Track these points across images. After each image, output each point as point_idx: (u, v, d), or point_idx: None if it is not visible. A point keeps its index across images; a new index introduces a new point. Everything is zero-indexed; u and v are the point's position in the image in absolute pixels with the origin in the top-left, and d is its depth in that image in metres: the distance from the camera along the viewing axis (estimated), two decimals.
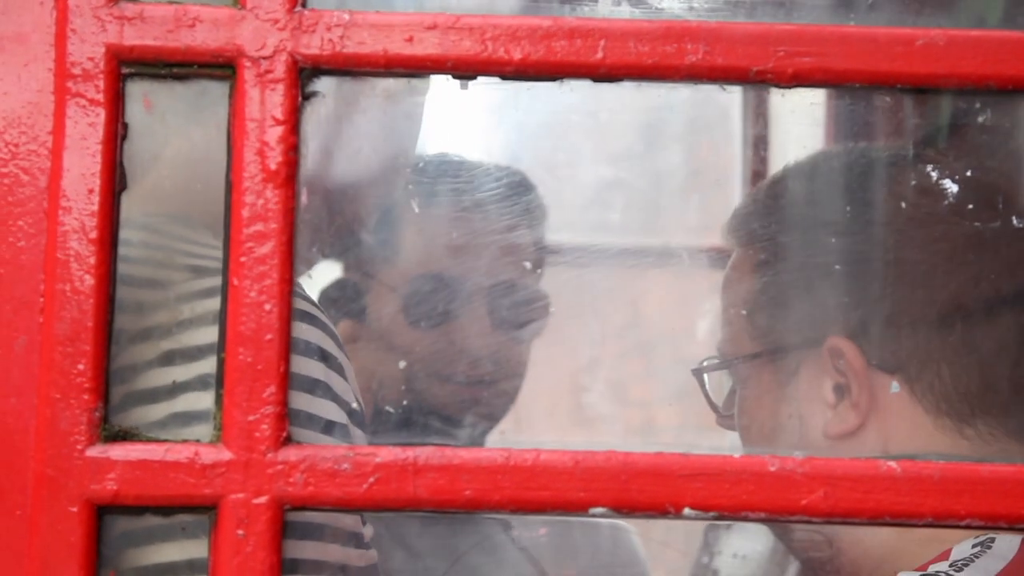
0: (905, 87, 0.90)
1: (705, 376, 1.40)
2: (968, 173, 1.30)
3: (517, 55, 0.88)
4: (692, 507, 0.87)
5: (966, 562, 1.20)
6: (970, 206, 1.27)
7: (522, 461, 0.87)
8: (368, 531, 1.12)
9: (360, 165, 1.14)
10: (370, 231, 1.65)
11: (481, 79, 0.90)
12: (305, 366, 1.03)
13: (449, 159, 1.76)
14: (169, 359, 1.00)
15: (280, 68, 0.88)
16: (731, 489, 0.87)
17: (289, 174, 0.88)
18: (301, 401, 1.02)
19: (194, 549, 0.96)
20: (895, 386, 1.27)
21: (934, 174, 1.29)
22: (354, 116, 0.98)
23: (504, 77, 0.90)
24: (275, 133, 0.88)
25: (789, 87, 0.90)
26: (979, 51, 0.89)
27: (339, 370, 1.06)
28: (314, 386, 1.03)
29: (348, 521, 1.05)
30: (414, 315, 1.67)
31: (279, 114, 0.88)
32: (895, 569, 1.24)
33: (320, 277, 1.71)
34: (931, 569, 1.21)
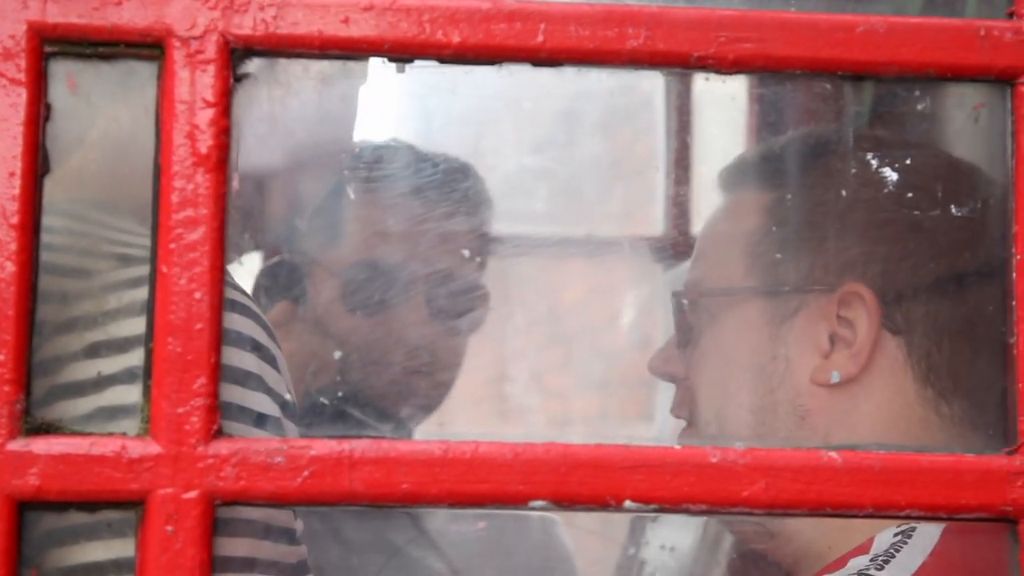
0: (846, 73, 0.90)
1: (677, 304, 1.35)
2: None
3: (456, 38, 0.86)
4: (633, 500, 0.85)
5: (887, 558, 1.19)
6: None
7: (460, 454, 0.85)
8: (298, 526, 1.09)
9: (299, 149, 1.12)
10: (309, 215, 1.62)
11: (419, 63, 0.88)
12: (237, 357, 1.00)
13: (391, 145, 1.73)
14: (95, 351, 0.97)
15: (211, 48, 0.85)
16: (672, 481, 0.85)
17: (220, 158, 0.85)
18: (233, 393, 0.99)
19: (120, 548, 0.93)
20: (893, 346, 1.25)
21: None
22: (289, 99, 0.95)
23: (442, 60, 0.88)
24: (206, 116, 0.85)
25: (730, 73, 0.89)
26: (919, 38, 0.89)
27: (272, 361, 1.03)
28: (246, 378, 1.00)
29: (282, 516, 1.02)
30: (352, 302, 1.64)
31: (210, 96, 0.85)
32: (819, 553, 1.24)
33: (255, 261, 1.67)
34: (851, 563, 1.20)
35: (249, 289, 1.59)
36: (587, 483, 0.85)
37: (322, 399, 1.58)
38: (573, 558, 1.83)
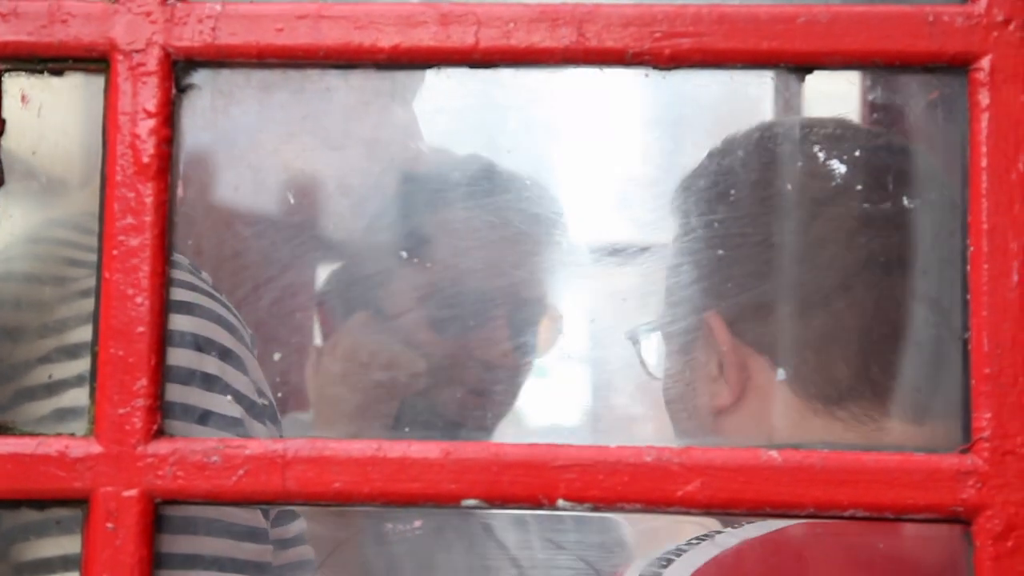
0: (789, 65, 0.88)
1: (640, 342, 1.41)
2: (856, 153, 1.28)
3: (386, 43, 0.87)
4: (566, 499, 0.85)
5: (677, 552, 1.19)
6: (858, 187, 1.26)
7: (392, 452, 0.85)
8: (295, 526, 1.11)
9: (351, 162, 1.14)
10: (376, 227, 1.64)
11: (357, 70, 0.89)
12: (197, 360, 1.02)
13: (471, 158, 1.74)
14: (49, 357, 1.00)
15: (152, 61, 0.88)
16: (605, 480, 0.85)
17: (161, 167, 0.87)
18: (192, 396, 1.01)
19: (68, 544, 0.96)
20: (765, 365, 1.27)
21: (821, 155, 1.27)
22: (232, 108, 0.97)
23: (378, 66, 0.89)
24: (147, 126, 0.88)
25: (668, 69, 0.88)
26: (863, 27, 0.87)
27: (232, 362, 1.05)
28: (205, 380, 1.03)
29: (243, 515, 1.04)
30: (436, 320, 1.66)
31: (151, 107, 0.88)
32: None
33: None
34: (712, 530, 1.20)
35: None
36: (519, 482, 0.85)
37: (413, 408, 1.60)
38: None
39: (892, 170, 1.26)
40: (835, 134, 1.32)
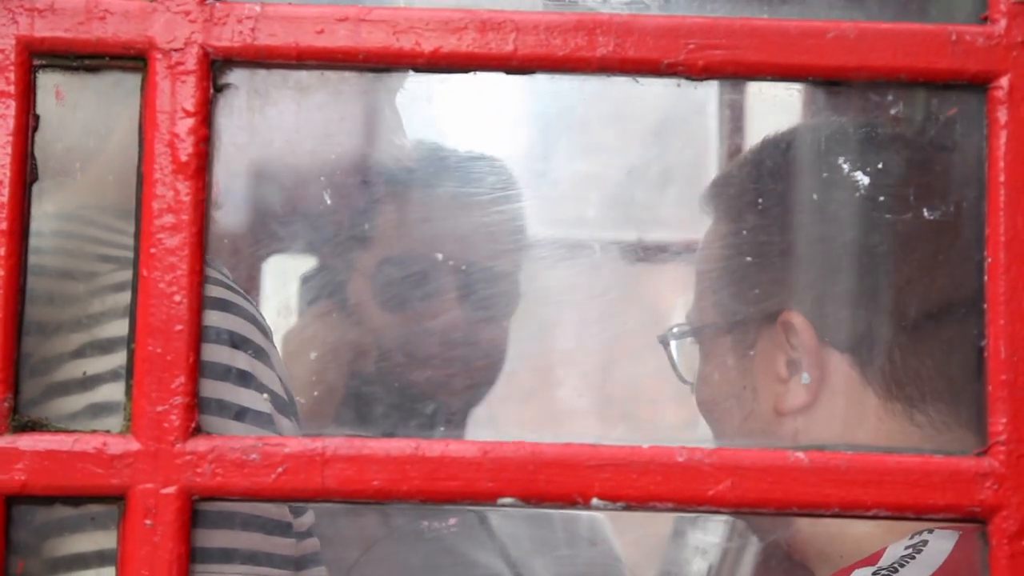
0: (817, 79, 0.91)
1: (672, 344, 1.39)
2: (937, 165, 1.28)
3: (427, 47, 0.89)
4: (600, 497, 0.87)
5: (890, 571, 1.19)
6: (935, 198, 1.26)
7: (431, 452, 0.87)
8: (307, 519, 1.12)
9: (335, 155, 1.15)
10: (345, 219, 1.65)
11: (393, 72, 0.90)
12: (230, 356, 1.03)
13: (423, 146, 1.75)
14: (82, 351, 1.00)
15: (191, 60, 0.88)
16: (638, 480, 0.87)
17: (200, 165, 0.88)
18: (226, 391, 1.02)
19: (104, 540, 0.97)
20: (846, 366, 1.26)
21: (902, 161, 1.28)
22: (268, 108, 0.98)
23: (416, 70, 0.90)
24: (185, 125, 0.88)
25: (700, 79, 0.90)
26: (890, 44, 0.90)
27: (263, 358, 1.06)
28: (238, 376, 1.03)
29: (273, 510, 1.05)
30: (385, 299, 1.67)
31: (190, 106, 0.88)
32: (833, 559, 1.24)
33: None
34: (855, 573, 1.20)
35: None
36: (555, 481, 0.87)
37: (361, 394, 1.61)
38: (619, 553, 1.85)
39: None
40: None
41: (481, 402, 1.79)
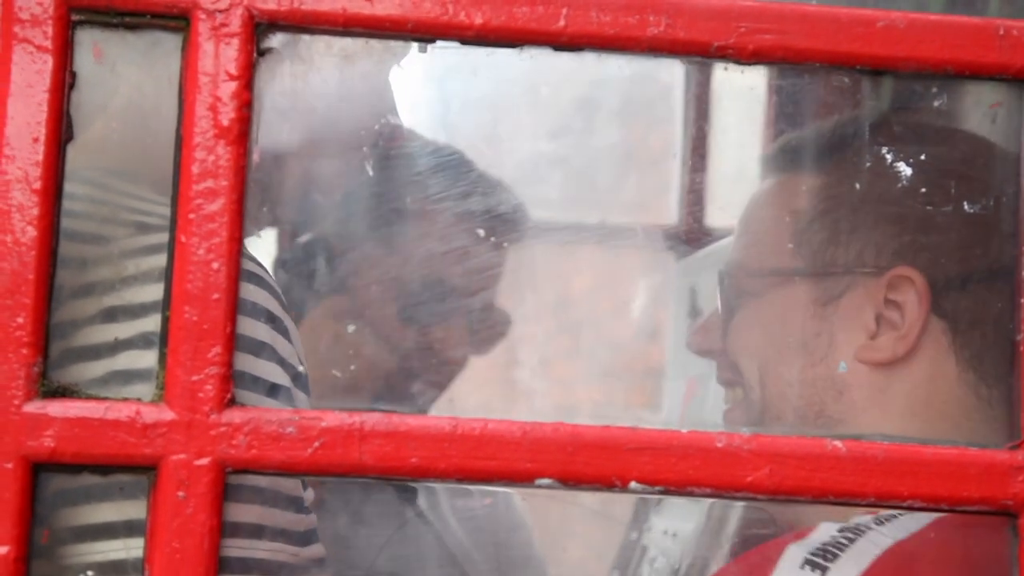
0: (864, 68, 0.90)
1: (723, 283, 1.38)
2: None
3: (478, 19, 0.87)
4: (639, 481, 0.86)
5: (888, 517, 1.21)
6: None
7: (470, 430, 0.86)
8: (309, 495, 1.10)
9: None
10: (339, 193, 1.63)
11: (440, 43, 0.89)
12: (251, 327, 1.01)
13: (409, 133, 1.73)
14: (112, 316, 0.98)
15: (236, 22, 0.86)
16: (677, 464, 0.87)
17: (242, 131, 0.86)
18: (247, 363, 1.00)
19: (132, 510, 0.94)
20: (939, 331, 1.27)
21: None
22: (311, 75, 0.96)
23: (464, 42, 0.88)
24: (228, 88, 0.86)
25: (749, 64, 0.90)
26: (938, 35, 0.90)
27: (284, 332, 1.04)
28: (259, 348, 1.01)
29: (289, 485, 1.03)
30: (408, 315, 1.66)
31: (233, 69, 0.86)
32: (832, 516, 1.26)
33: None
34: (853, 520, 1.22)
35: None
36: (593, 463, 0.86)
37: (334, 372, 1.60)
38: (529, 528, 1.85)
39: None
40: None
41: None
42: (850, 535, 1.19)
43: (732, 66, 0.90)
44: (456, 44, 0.89)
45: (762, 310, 1.34)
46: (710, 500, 1.75)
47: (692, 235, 2.18)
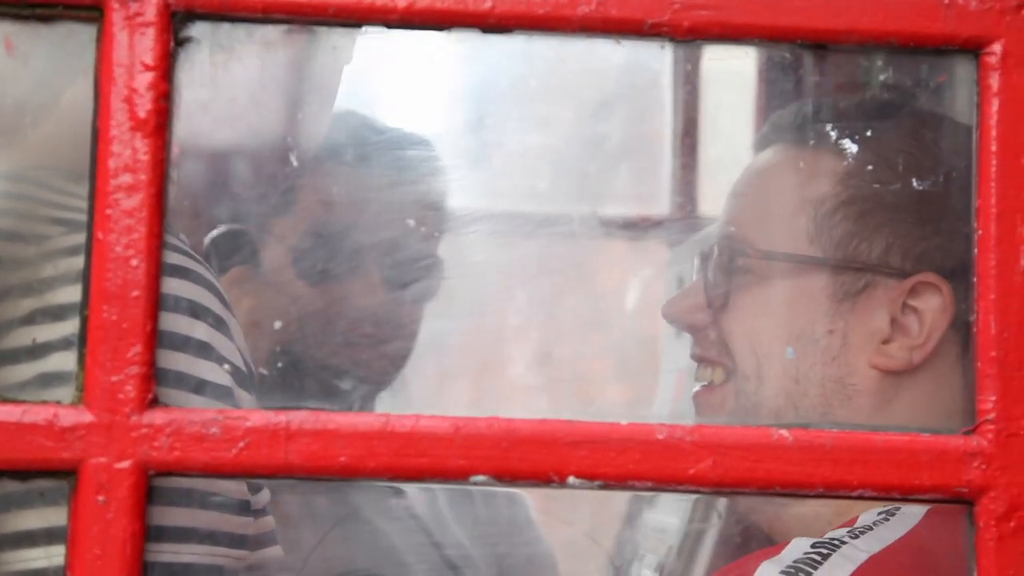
0: (805, 43, 0.87)
1: (723, 256, 1.30)
2: None
3: (402, 3, 0.84)
4: (577, 476, 0.83)
5: (864, 530, 1.17)
6: None
7: (400, 427, 0.83)
8: (264, 496, 1.08)
9: (261, 118, 1.10)
10: (263, 183, 1.61)
11: (365, 28, 0.86)
12: (188, 326, 0.98)
13: (350, 115, 1.71)
14: (32, 318, 0.95)
15: (150, 11, 0.83)
16: (617, 458, 0.84)
17: (159, 123, 0.83)
18: (183, 362, 0.97)
19: (53, 516, 0.92)
20: (957, 344, 1.23)
21: None
22: (232, 64, 0.93)
23: (389, 26, 0.86)
24: (144, 79, 0.83)
25: (685, 41, 0.87)
26: (881, 7, 0.86)
27: (225, 331, 1.02)
28: (196, 346, 0.99)
29: (227, 487, 1.01)
30: (303, 268, 1.62)
31: (149, 60, 0.83)
32: (819, 529, 1.22)
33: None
34: (828, 535, 1.18)
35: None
36: (529, 459, 0.83)
37: (264, 369, 1.57)
38: (540, 530, 1.81)
39: None
40: None
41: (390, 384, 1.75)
42: (824, 550, 1.15)
43: (669, 44, 0.87)
44: (382, 29, 0.86)
45: (769, 296, 1.27)
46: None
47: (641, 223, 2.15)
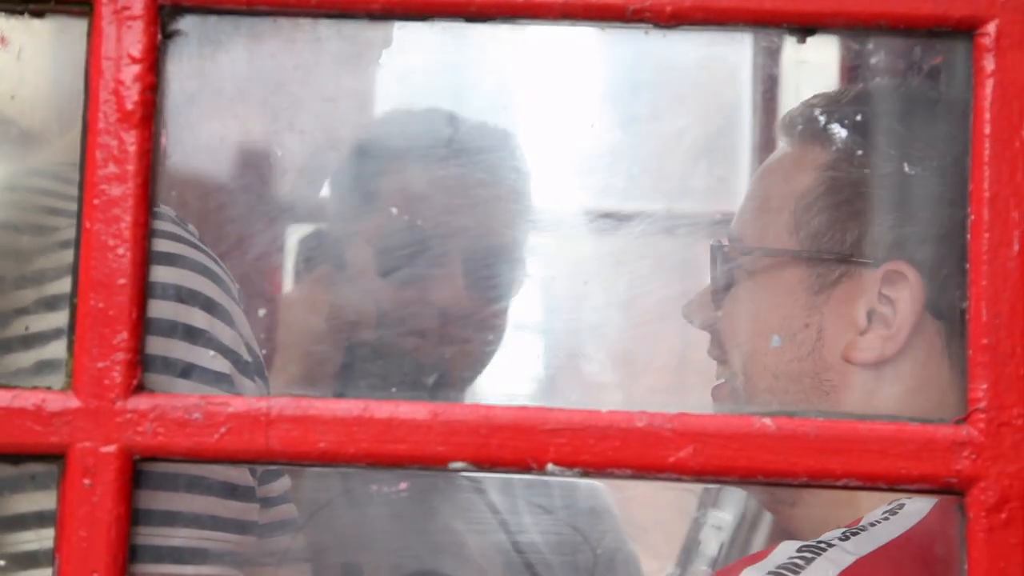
0: (792, 26, 0.86)
1: (717, 256, 1.30)
2: None
3: None
4: (555, 463, 0.83)
5: (858, 530, 1.15)
6: None
7: (379, 413, 0.84)
8: (280, 485, 1.09)
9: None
10: (341, 184, 1.63)
11: (349, 20, 0.87)
12: (185, 314, 1.00)
13: (430, 113, 1.72)
14: (28, 308, 0.98)
15: (138, 5, 0.85)
16: (596, 445, 0.83)
17: (146, 114, 0.85)
18: (179, 349, 0.99)
19: (44, 500, 0.94)
20: (933, 333, 1.20)
21: None
22: (220, 55, 0.95)
23: (372, 17, 0.86)
24: (131, 72, 0.85)
25: (668, 27, 0.86)
26: None
27: (226, 319, 1.03)
28: (195, 335, 1.00)
29: (231, 472, 1.02)
30: (385, 268, 1.64)
31: (136, 52, 0.85)
32: (817, 532, 1.19)
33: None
34: (818, 538, 1.15)
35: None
36: (508, 445, 0.83)
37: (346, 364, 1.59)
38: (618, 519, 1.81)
39: None
40: None
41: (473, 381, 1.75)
42: (808, 554, 1.13)
43: (653, 30, 0.87)
44: (365, 20, 0.87)
45: (753, 292, 1.26)
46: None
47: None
